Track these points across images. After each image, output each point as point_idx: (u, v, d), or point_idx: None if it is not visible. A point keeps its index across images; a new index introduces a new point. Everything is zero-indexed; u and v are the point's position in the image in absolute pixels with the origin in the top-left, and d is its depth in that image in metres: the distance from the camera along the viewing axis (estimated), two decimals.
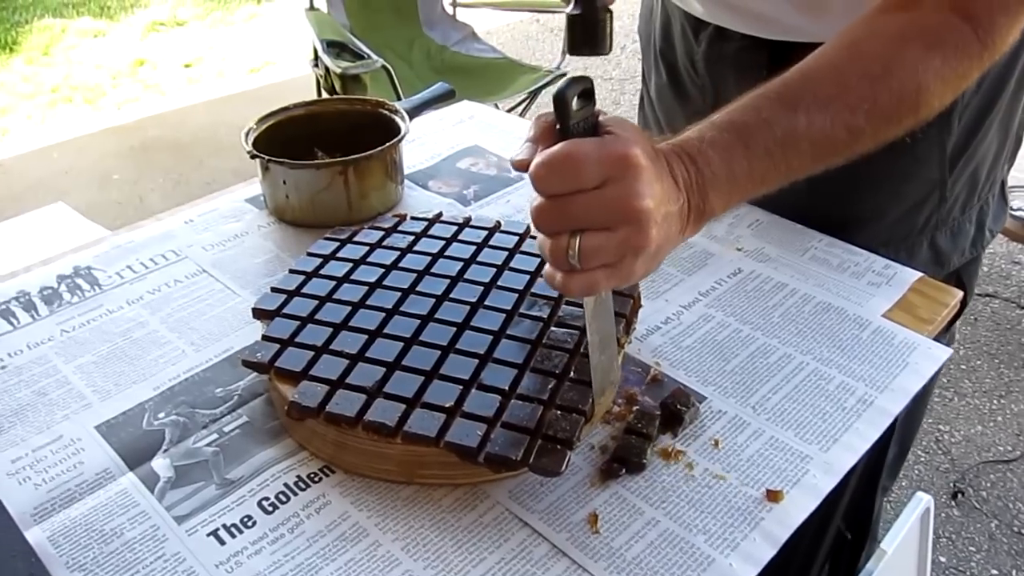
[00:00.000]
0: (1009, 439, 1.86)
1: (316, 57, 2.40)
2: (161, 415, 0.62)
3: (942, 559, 1.61)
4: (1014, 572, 1.58)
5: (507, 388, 0.57)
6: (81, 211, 2.18)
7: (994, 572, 1.58)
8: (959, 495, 1.75)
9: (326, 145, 0.91)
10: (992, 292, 2.28)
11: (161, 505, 0.55)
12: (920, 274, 0.78)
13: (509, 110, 2.53)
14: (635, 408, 0.63)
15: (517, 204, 0.89)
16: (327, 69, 2.20)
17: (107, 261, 0.80)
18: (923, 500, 0.79)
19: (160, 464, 0.58)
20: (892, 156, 0.81)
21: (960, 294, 0.77)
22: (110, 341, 0.69)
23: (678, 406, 0.61)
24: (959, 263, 0.88)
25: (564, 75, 2.61)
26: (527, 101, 2.54)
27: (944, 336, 0.77)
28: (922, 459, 1.83)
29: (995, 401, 1.97)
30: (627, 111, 3.38)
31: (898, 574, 0.93)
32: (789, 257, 0.80)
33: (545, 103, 3.10)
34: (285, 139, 0.87)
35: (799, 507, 0.56)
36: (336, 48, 2.20)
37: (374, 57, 2.14)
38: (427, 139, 1.02)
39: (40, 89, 3.49)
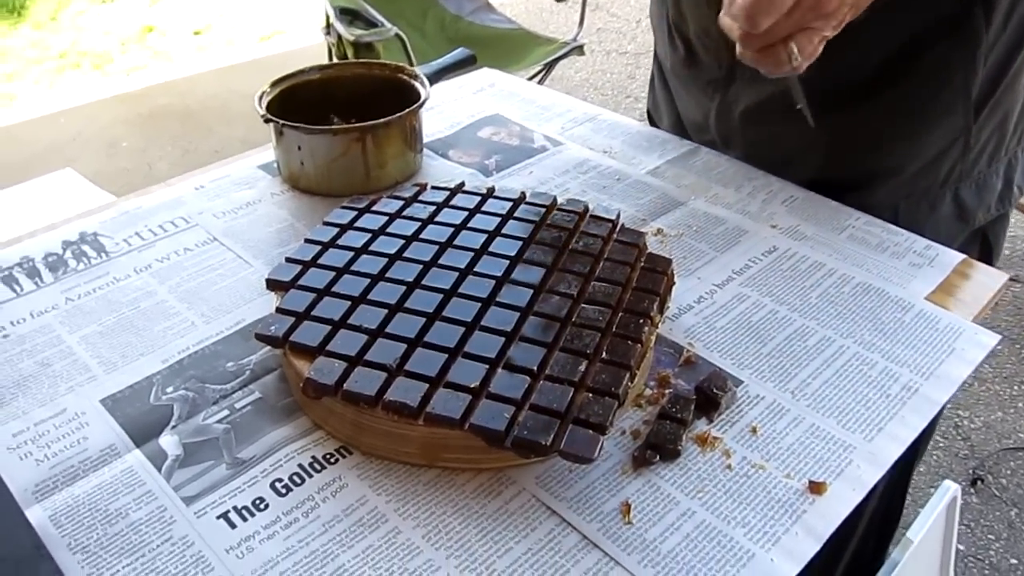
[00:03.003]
0: None
1: (328, 25, 2.35)
2: (169, 389, 0.59)
3: (960, 547, 1.59)
4: None
5: (535, 368, 0.54)
6: (89, 178, 2.14)
7: (1013, 561, 1.56)
8: (978, 482, 1.72)
9: (342, 111, 0.87)
10: (1013, 276, 2.24)
11: (169, 485, 0.52)
12: (963, 256, 0.74)
13: (529, 79, 2.47)
14: (668, 391, 0.59)
15: (540, 176, 0.85)
16: (339, 37, 2.16)
17: (114, 227, 0.76)
18: (950, 489, 0.76)
19: (168, 441, 0.55)
20: (915, 101, 0.78)
21: (1005, 277, 0.73)
22: (116, 311, 0.66)
23: (714, 390, 0.58)
24: (984, 220, 0.85)
25: (580, 47, 2.56)
26: (543, 73, 2.49)
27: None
28: (941, 445, 1.80)
29: (1016, 387, 1.93)
30: (642, 85, 3.32)
31: (923, 563, 0.90)
32: (826, 235, 0.76)
33: (559, 75, 3.04)
34: (300, 104, 0.84)
35: (843, 500, 0.52)
36: (349, 15, 2.15)
37: (388, 25, 2.09)
38: (446, 107, 0.99)
39: (47, 55, 3.45)
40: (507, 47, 2.57)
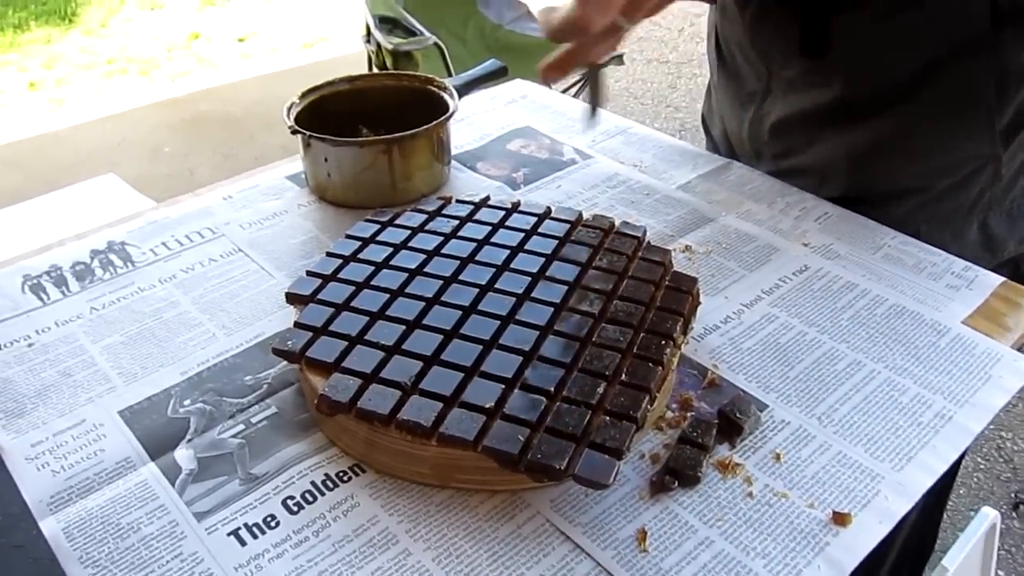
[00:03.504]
0: None
1: (368, 33, 2.37)
2: (187, 402, 0.59)
3: (1000, 572, 1.54)
4: None
5: (552, 390, 0.53)
6: (131, 183, 2.18)
7: None
8: (1020, 506, 1.66)
9: (371, 122, 0.87)
10: None
11: (181, 499, 0.52)
12: (1003, 279, 0.72)
13: (563, 91, 2.47)
14: (690, 415, 0.58)
15: (568, 190, 0.84)
16: (379, 45, 2.17)
17: (142, 237, 0.77)
18: (989, 516, 0.74)
19: (183, 455, 0.55)
20: (934, 120, 0.76)
21: None
22: (139, 321, 0.67)
23: (737, 414, 0.56)
24: (1017, 251, 0.82)
25: (620, 56, 2.54)
26: (581, 83, 2.47)
27: None
28: (982, 467, 1.74)
29: None
30: (683, 95, 3.29)
31: None
32: (860, 255, 0.74)
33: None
34: (329, 115, 0.84)
35: (869, 532, 0.50)
36: (389, 24, 2.17)
37: (427, 34, 2.10)
38: (476, 119, 0.98)
39: (96, 60, 3.53)
40: (545, 55, 2.56)
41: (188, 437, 0.56)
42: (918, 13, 0.72)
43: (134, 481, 0.53)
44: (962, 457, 0.65)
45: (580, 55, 0.65)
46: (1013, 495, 1.68)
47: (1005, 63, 0.72)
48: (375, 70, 2.46)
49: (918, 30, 0.73)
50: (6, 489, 0.53)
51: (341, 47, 3.61)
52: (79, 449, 0.55)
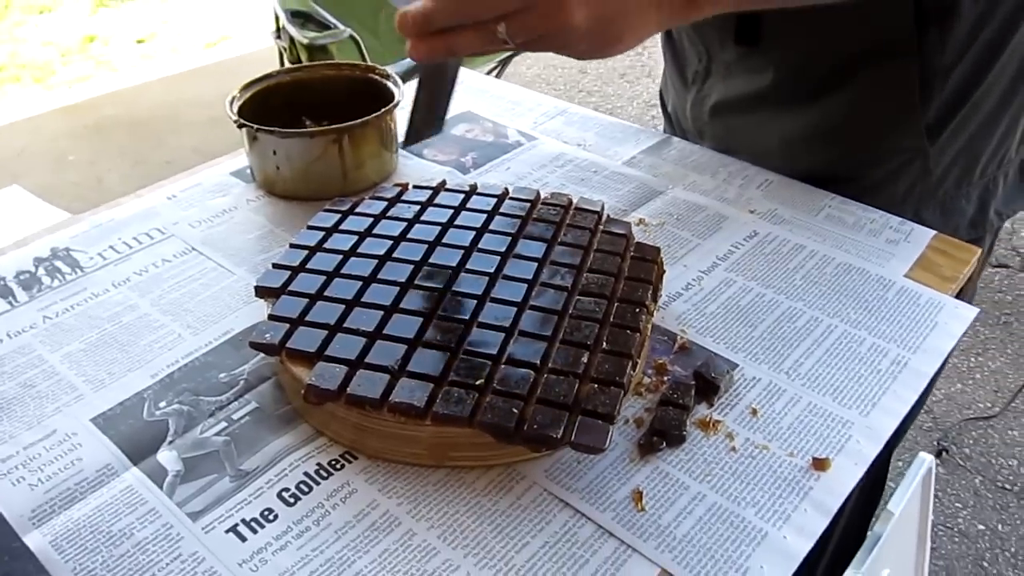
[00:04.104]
0: (988, 396, 1.89)
1: (278, 28, 2.31)
2: (162, 404, 0.57)
3: (929, 516, 1.63)
4: (999, 526, 1.60)
5: (539, 363, 0.54)
6: (38, 194, 2.09)
7: (980, 527, 1.60)
8: (943, 453, 1.76)
9: (313, 114, 0.86)
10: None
11: (172, 501, 0.51)
12: (935, 232, 0.76)
13: (488, 73, 2.47)
14: (666, 379, 0.60)
15: (518, 171, 0.85)
16: (292, 40, 2.13)
17: (87, 241, 0.74)
18: (926, 461, 0.78)
19: (166, 457, 0.53)
20: (857, 114, 0.79)
21: (978, 251, 0.75)
22: (98, 327, 0.65)
23: (712, 374, 0.59)
24: None
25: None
26: (498, 70, 2.49)
27: (966, 294, 0.76)
28: None
29: (972, 359, 1.99)
30: (593, 80, 3.34)
31: (903, 535, 0.92)
32: (804, 218, 0.78)
33: (512, 72, 3.04)
34: (270, 108, 0.82)
35: (847, 475, 0.53)
36: (301, 18, 2.12)
37: (341, 27, 2.07)
38: None
39: None
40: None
41: (169, 439, 0.55)
42: (845, 10, 0.74)
43: (119, 487, 0.51)
44: (921, 403, 0.68)
45: (453, 42, 0.55)
46: (936, 443, 1.78)
47: (929, 63, 0.75)
48: (287, 65, 2.41)
49: (845, 27, 0.76)
50: None
51: (246, 45, 3.51)
52: (55, 460, 0.53)
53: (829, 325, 0.65)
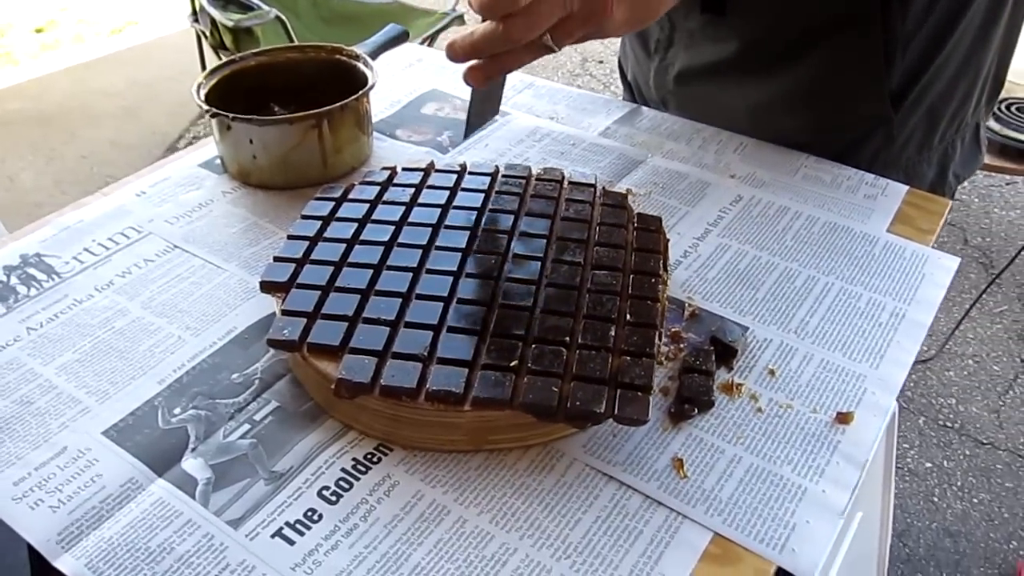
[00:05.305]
0: (924, 340, 1.98)
1: (195, 12, 2.23)
2: (177, 411, 0.55)
3: (893, 460, 1.71)
4: (944, 462, 1.69)
5: (568, 339, 0.54)
6: None
7: (928, 464, 1.69)
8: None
9: (280, 99, 0.83)
10: None
11: (208, 510, 0.49)
12: (907, 187, 0.79)
13: None
14: (682, 346, 0.60)
15: (497, 147, 0.84)
16: (213, 23, 2.05)
17: (58, 245, 0.70)
18: (891, 407, 0.82)
19: (192, 465, 0.51)
20: (821, 83, 0.81)
21: (949, 203, 0.79)
22: (89, 335, 0.61)
23: (729, 339, 0.60)
24: None
25: (460, 16, 2.53)
26: (426, 46, 2.45)
27: None
28: None
29: None
30: None
31: (872, 479, 0.97)
32: (783, 179, 0.79)
33: (442, 47, 3.00)
34: (236, 94, 0.79)
35: (870, 426, 0.55)
36: (221, 1, 2.04)
37: (265, 8, 2.00)
38: (380, 86, 0.95)
39: None
40: (385, 22, 2.50)
41: (191, 446, 0.52)
42: None
43: (148, 501, 0.49)
44: None
45: (504, 62, 0.58)
46: None
47: (892, 31, 0.76)
48: (208, 50, 2.32)
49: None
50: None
51: (154, 30, 3.36)
52: (72, 479, 0.51)
53: (826, 283, 0.67)
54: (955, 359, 1.92)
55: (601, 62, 3.25)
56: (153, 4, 3.42)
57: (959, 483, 1.64)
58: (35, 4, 3.60)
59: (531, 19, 0.54)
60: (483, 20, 0.56)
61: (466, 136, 0.72)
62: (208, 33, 2.15)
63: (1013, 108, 1.90)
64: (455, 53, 0.57)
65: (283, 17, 1.99)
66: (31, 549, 0.59)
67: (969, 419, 1.78)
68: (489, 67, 0.57)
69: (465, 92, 0.94)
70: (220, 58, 2.23)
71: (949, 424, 1.77)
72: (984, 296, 2.00)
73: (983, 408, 1.80)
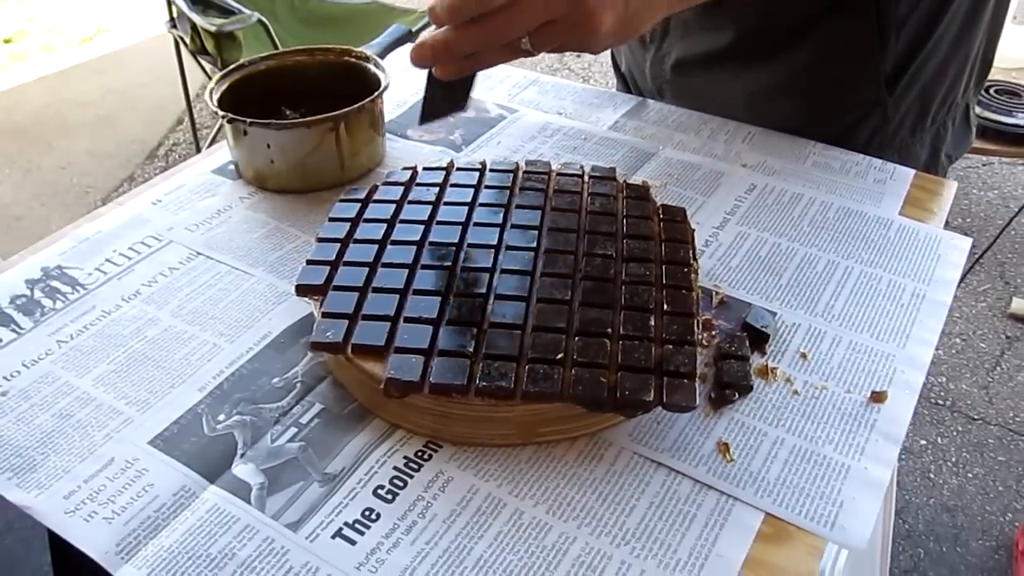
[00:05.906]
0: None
1: (172, 17, 2.20)
2: (221, 417, 0.55)
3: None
4: (938, 439, 1.72)
5: (610, 331, 0.54)
6: None
7: (923, 442, 1.72)
8: None
9: (290, 103, 0.83)
10: None
11: (265, 515, 0.49)
12: (914, 171, 0.81)
13: None
14: (714, 333, 0.61)
15: (510, 144, 0.85)
16: (193, 28, 2.03)
17: (78, 257, 0.70)
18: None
19: (244, 470, 0.51)
20: (817, 68, 0.83)
21: (955, 185, 0.80)
22: (122, 345, 0.61)
23: (761, 324, 0.61)
24: None
25: None
26: (407, 45, 2.44)
27: None
28: None
29: None
30: None
31: None
32: (793, 166, 0.81)
33: None
34: (247, 98, 0.79)
35: (903, 404, 0.57)
36: (201, 5, 2.02)
37: (246, 12, 1.99)
38: None
39: None
40: (364, 22, 2.50)
41: (240, 452, 0.52)
42: None
43: (203, 508, 0.49)
44: None
45: (479, 61, 0.58)
46: None
47: (885, 14, 0.78)
48: (187, 56, 2.30)
49: None
50: (56, 552, 0.47)
51: (126, 37, 3.32)
52: (124, 490, 0.50)
53: (846, 267, 0.68)
54: (943, 337, 1.95)
55: (579, 56, 3.26)
56: (124, 11, 3.38)
57: (953, 459, 1.67)
58: (2, 15, 3.54)
59: (512, 19, 0.54)
60: (441, 27, 0.55)
61: (420, 123, 0.67)
62: (190, 38, 2.13)
63: (992, 90, 1.94)
64: (424, 52, 0.57)
65: (265, 21, 1.98)
66: (55, 559, 0.59)
67: (960, 396, 1.81)
68: (464, 64, 0.58)
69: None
70: (200, 64, 2.22)
71: (941, 402, 1.80)
72: (967, 276, 2.04)
73: (972, 385, 1.84)
